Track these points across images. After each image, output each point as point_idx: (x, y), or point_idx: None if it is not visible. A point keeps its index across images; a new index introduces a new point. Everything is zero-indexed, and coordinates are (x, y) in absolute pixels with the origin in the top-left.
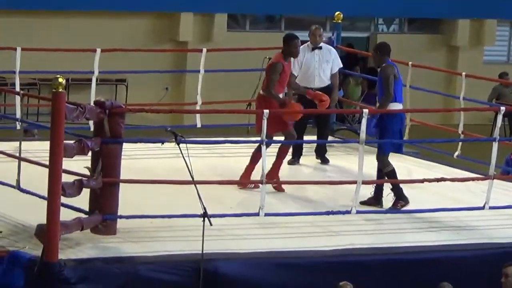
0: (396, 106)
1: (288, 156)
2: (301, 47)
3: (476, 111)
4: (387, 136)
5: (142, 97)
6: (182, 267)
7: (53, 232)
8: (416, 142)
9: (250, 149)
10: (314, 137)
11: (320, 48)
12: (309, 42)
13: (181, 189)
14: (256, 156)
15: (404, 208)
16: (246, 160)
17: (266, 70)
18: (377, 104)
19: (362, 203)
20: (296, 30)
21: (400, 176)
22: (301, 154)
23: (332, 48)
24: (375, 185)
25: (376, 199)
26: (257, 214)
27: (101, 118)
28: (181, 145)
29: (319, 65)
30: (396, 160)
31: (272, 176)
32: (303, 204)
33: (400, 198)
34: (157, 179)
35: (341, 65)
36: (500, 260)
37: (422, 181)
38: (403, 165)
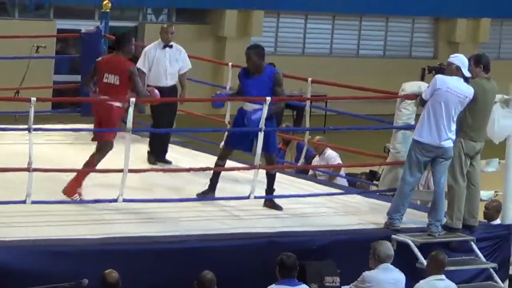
0: None
1: None
2: (152, 44)
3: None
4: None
5: None
6: None
7: None
8: (182, 131)
9: (17, 136)
10: None
11: (171, 46)
12: (159, 40)
13: None
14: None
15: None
16: (12, 148)
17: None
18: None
19: (199, 194)
20: (65, 19)
21: (167, 166)
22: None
23: (182, 49)
24: (211, 176)
25: (210, 190)
26: (24, 202)
27: None
28: None
29: (169, 64)
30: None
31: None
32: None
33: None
34: None
35: (190, 66)
36: (265, 249)
37: (188, 170)
38: (170, 154)
